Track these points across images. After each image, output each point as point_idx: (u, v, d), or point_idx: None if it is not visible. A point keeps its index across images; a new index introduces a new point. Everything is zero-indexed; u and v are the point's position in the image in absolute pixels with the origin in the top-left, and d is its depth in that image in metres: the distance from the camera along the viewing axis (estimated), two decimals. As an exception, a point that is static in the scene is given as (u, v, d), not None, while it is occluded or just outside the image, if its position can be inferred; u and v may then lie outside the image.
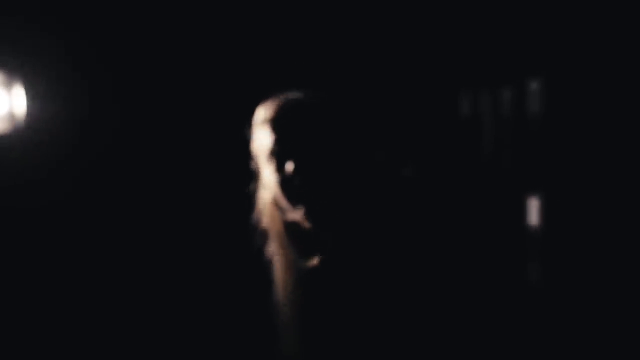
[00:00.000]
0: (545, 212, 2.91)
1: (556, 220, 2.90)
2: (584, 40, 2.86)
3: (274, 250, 2.03)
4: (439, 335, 1.88)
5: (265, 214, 2.02)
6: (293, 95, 1.97)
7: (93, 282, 3.11)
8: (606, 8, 2.82)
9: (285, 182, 1.91)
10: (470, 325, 1.91)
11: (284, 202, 1.94)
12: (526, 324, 2.74)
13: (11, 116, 2.97)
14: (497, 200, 2.98)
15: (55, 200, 3.08)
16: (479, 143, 3.03)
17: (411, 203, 1.94)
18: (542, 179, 2.93)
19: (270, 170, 1.93)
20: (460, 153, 3.04)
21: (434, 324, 1.88)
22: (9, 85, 2.97)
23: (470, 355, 1.90)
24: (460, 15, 3.02)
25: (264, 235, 2.04)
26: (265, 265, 2.05)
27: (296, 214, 1.94)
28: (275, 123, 1.92)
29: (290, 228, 1.99)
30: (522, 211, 2.95)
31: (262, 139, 1.95)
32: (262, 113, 1.96)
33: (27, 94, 3.00)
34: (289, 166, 1.89)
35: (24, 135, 3.00)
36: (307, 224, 1.94)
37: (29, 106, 3.00)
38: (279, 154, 1.91)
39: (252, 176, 2.03)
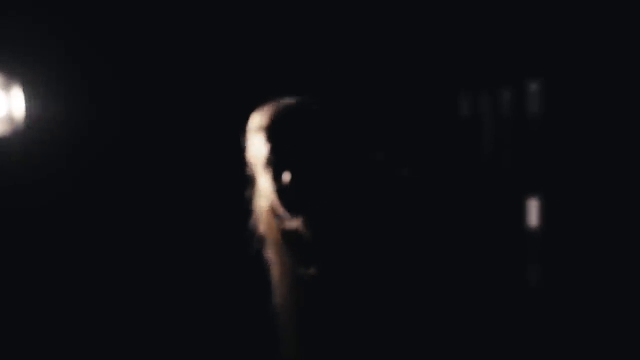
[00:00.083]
0: (544, 213, 2.91)
1: (556, 221, 2.89)
2: (583, 41, 2.86)
3: (271, 256, 2.02)
4: (439, 336, 1.88)
5: (262, 221, 2.01)
6: (288, 100, 1.95)
7: (92, 285, 3.10)
8: (605, 9, 2.82)
9: (283, 192, 1.89)
10: (470, 326, 1.90)
11: (281, 211, 1.93)
12: (526, 325, 2.74)
13: (10, 118, 2.97)
14: (496, 201, 2.98)
15: (54, 201, 3.08)
16: (478, 144, 3.03)
17: (410, 205, 1.93)
18: (542, 179, 2.93)
19: (267, 179, 1.92)
20: (460, 154, 3.03)
21: (433, 326, 1.88)
22: (7, 86, 2.97)
23: (470, 357, 1.90)
24: (460, 16, 3.02)
25: (261, 241, 2.02)
26: (265, 268, 2.05)
27: (294, 223, 1.92)
28: (270, 131, 1.90)
29: (287, 236, 1.98)
30: (521, 212, 2.95)
31: (257, 147, 1.93)
32: (257, 120, 1.94)
33: (26, 95, 3.00)
34: (286, 176, 1.87)
35: (23, 137, 3.00)
36: (305, 233, 1.93)
37: (27, 108, 3.00)
38: (275, 164, 1.89)
39: (248, 182, 2.01)
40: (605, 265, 2.79)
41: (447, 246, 1.93)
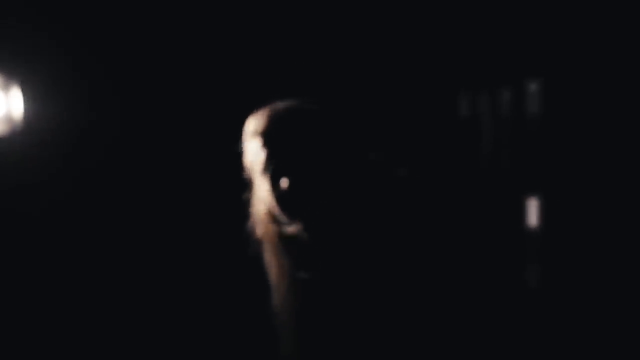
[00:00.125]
0: (544, 212, 2.91)
1: (555, 221, 2.89)
2: (583, 41, 2.86)
3: (268, 259, 2.01)
4: (438, 336, 1.88)
5: (259, 224, 2.00)
6: (284, 104, 1.92)
7: (92, 287, 3.10)
8: (605, 9, 2.82)
9: (281, 198, 1.87)
10: (469, 326, 1.90)
11: (280, 215, 1.91)
12: (525, 325, 2.74)
13: (9, 118, 2.97)
14: (496, 201, 2.98)
15: (53, 202, 3.07)
16: (478, 144, 3.03)
17: (409, 205, 1.93)
18: (541, 179, 2.93)
19: (265, 184, 1.90)
20: (459, 154, 3.03)
21: (432, 326, 1.87)
22: (6, 87, 2.97)
23: (470, 357, 1.90)
24: (460, 16, 3.02)
25: (258, 244, 2.02)
26: (264, 269, 2.05)
27: (293, 228, 1.92)
28: (266, 137, 1.88)
29: (285, 240, 1.97)
30: (521, 212, 2.95)
31: (254, 153, 1.91)
32: (253, 125, 1.92)
33: (24, 95, 3.00)
34: (284, 183, 1.86)
35: (22, 137, 3.00)
36: (304, 237, 1.92)
37: (26, 108, 3.00)
38: (272, 171, 1.87)
39: (246, 185, 2.00)
40: (605, 265, 2.79)
41: (446, 246, 1.93)
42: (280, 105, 1.93)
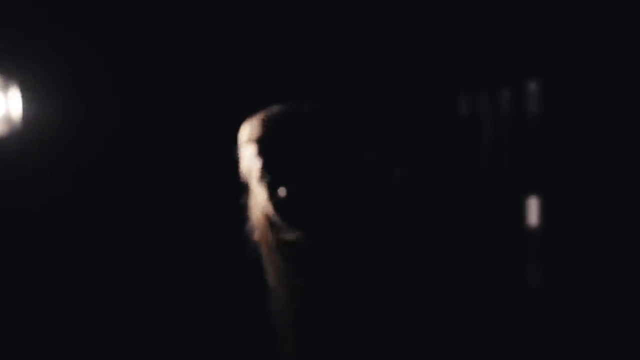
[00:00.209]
0: (544, 212, 2.91)
1: (555, 221, 2.89)
2: (583, 40, 2.86)
3: (267, 264, 2.00)
4: (437, 337, 1.87)
5: (257, 229, 1.98)
6: (279, 109, 1.89)
7: (90, 287, 3.10)
8: (604, 9, 2.82)
9: (279, 206, 1.85)
10: (469, 326, 1.90)
11: (278, 222, 1.90)
12: (525, 325, 2.73)
13: (8, 118, 2.97)
14: (496, 200, 2.98)
15: (52, 202, 3.07)
16: (478, 143, 3.03)
17: (409, 205, 1.92)
18: (541, 179, 2.93)
19: (262, 192, 1.87)
20: (459, 154, 3.03)
21: (432, 326, 1.87)
22: (5, 87, 2.97)
23: (470, 357, 1.89)
24: (459, 16, 3.02)
25: (257, 248, 2.00)
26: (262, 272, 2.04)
27: (291, 235, 1.90)
28: (261, 145, 1.85)
29: (283, 246, 1.95)
30: (521, 211, 2.94)
31: (249, 160, 1.88)
32: (247, 131, 1.88)
33: (23, 96, 2.99)
34: (282, 192, 1.84)
35: (21, 137, 3.00)
36: (303, 244, 1.91)
37: (25, 108, 3.00)
38: (269, 180, 1.84)
39: (243, 189, 1.99)
40: (605, 264, 2.78)
41: (446, 246, 1.92)
42: (275, 109, 1.90)
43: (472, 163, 3.02)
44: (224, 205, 2.17)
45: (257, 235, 1.98)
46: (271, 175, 1.84)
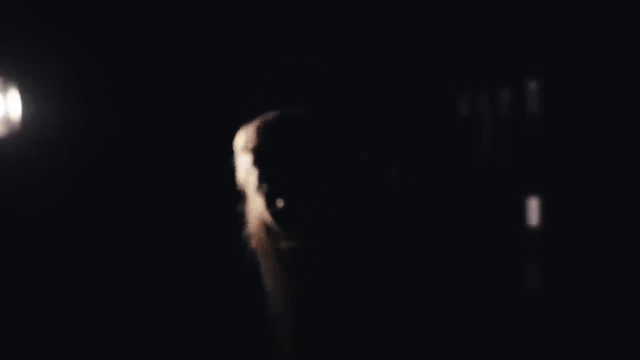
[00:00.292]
0: (544, 212, 2.91)
1: (555, 221, 2.89)
2: (583, 40, 2.85)
3: (264, 270, 1.99)
4: (438, 337, 1.87)
5: (254, 236, 1.97)
6: (274, 115, 1.88)
7: (89, 288, 3.10)
8: (604, 8, 2.82)
9: (277, 215, 1.85)
10: (469, 326, 1.89)
11: (276, 229, 1.89)
12: (525, 325, 2.73)
13: (7, 120, 2.97)
14: (496, 200, 2.97)
15: (51, 203, 3.07)
16: (477, 144, 3.02)
17: (409, 206, 1.92)
18: (541, 179, 2.93)
19: (259, 201, 1.87)
20: (459, 154, 3.03)
21: (432, 326, 1.87)
22: (4, 88, 2.96)
23: (470, 357, 1.89)
24: (459, 16, 3.01)
25: (254, 254, 2.00)
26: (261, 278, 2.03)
27: (289, 242, 1.89)
28: (258, 154, 1.84)
29: (281, 252, 1.94)
30: (521, 212, 2.94)
31: (247, 170, 1.88)
32: (242, 140, 1.88)
33: (22, 97, 2.99)
34: (280, 203, 1.83)
35: (20, 139, 3.00)
36: (300, 250, 1.90)
37: (24, 110, 3.00)
38: (266, 190, 1.84)
39: (240, 196, 1.98)
40: (605, 264, 2.78)
41: (446, 246, 1.92)
42: (270, 116, 1.89)
43: (472, 163, 3.02)
44: (222, 212, 2.17)
45: (254, 241, 1.97)
46: (268, 184, 1.83)
